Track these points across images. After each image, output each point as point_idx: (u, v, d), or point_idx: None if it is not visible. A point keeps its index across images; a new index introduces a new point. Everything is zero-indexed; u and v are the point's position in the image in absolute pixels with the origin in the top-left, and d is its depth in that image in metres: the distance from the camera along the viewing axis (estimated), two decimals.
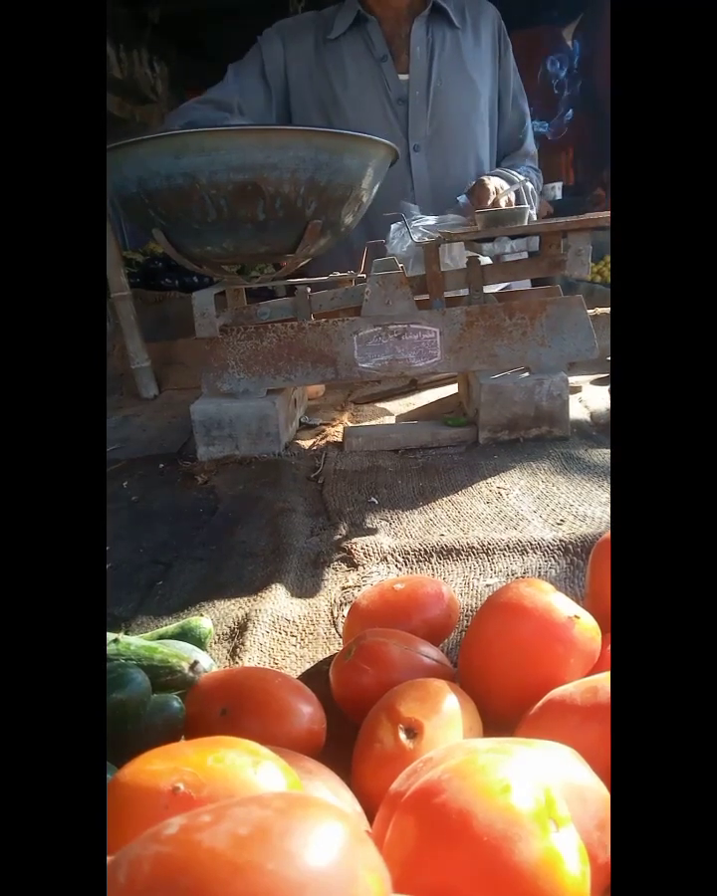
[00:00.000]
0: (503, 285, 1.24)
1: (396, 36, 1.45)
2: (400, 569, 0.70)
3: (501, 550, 0.69)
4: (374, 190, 1.03)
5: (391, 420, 1.17)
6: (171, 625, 0.58)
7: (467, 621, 0.59)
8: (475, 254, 1.07)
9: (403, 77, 1.45)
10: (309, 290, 1.06)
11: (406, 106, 1.45)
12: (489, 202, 1.34)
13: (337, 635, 0.60)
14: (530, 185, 1.50)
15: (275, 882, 0.20)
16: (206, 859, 0.21)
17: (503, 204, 1.37)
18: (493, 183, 1.39)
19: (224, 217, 0.91)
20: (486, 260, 1.09)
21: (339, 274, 1.16)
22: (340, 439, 1.07)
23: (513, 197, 1.41)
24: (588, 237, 0.93)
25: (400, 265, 1.01)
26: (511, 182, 1.45)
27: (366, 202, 1.03)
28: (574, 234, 0.93)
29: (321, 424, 1.17)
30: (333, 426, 1.15)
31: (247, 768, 0.32)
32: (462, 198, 1.42)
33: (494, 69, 1.53)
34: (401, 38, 1.45)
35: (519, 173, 1.54)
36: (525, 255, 1.12)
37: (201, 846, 0.21)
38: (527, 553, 0.68)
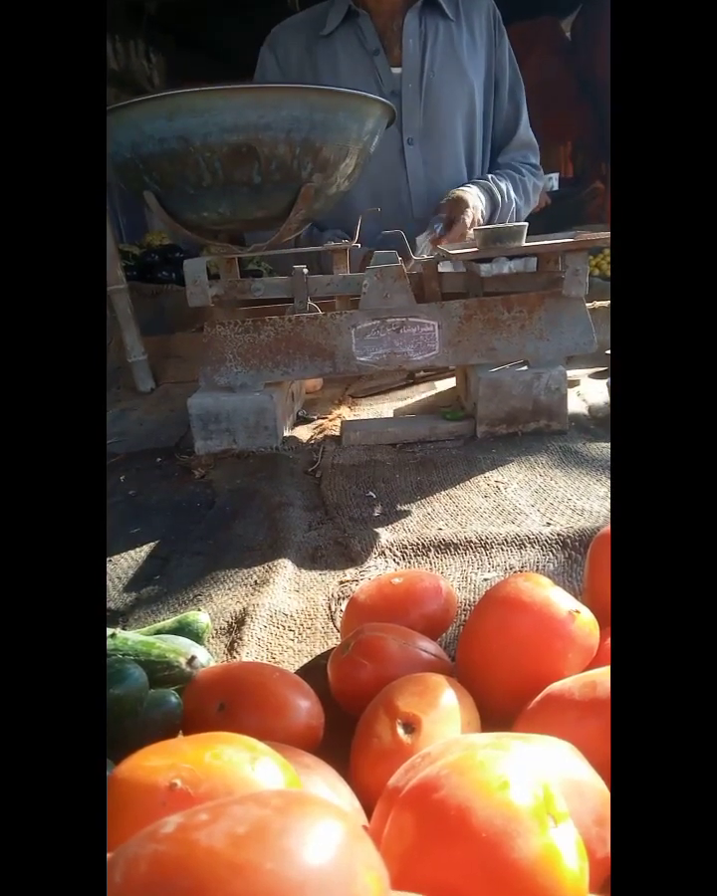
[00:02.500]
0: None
1: (388, 29, 1.44)
2: (398, 564, 0.70)
3: (499, 544, 0.69)
4: (370, 151, 1.02)
5: (389, 414, 1.17)
6: (169, 620, 0.57)
7: (465, 616, 0.59)
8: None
9: (396, 70, 1.44)
10: (306, 270, 1.06)
11: (400, 98, 1.44)
12: (467, 220, 1.32)
13: (334, 630, 0.60)
14: (515, 196, 1.49)
15: (273, 881, 0.20)
16: (204, 858, 0.20)
17: (477, 222, 1.34)
18: (471, 198, 1.37)
19: (219, 181, 0.90)
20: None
21: (334, 243, 1.15)
22: (337, 433, 1.06)
23: (483, 216, 1.39)
24: (585, 256, 0.93)
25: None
26: (490, 193, 1.44)
27: (362, 164, 1.02)
28: (571, 253, 0.93)
29: (318, 418, 1.17)
30: (330, 420, 1.14)
31: (245, 764, 0.32)
32: (439, 227, 1.35)
33: (488, 59, 1.51)
34: (393, 31, 1.44)
35: (507, 175, 1.53)
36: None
37: (199, 845, 0.21)
38: (525, 547, 0.68)
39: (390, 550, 0.71)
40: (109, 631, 0.50)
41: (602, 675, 0.40)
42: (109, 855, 0.23)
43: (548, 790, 0.29)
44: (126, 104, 0.86)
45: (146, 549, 0.78)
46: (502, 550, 0.68)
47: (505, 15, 1.53)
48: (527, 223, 0.96)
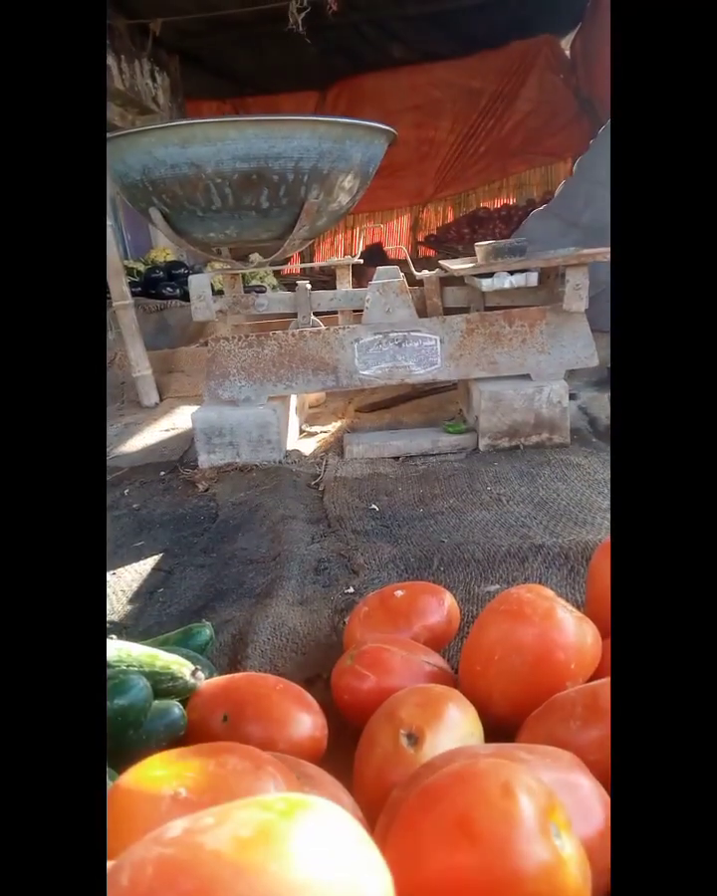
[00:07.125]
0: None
1: None
2: (401, 576, 0.70)
3: (502, 556, 0.69)
4: (372, 172, 1.05)
5: (392, 428, 1.17)
6: (173, 632, 0.58)
7: (468, 628, 0.59)
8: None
9: None
10: (309, 286, 1.07)
11: None
12: None
13: (338, 642, 0.60)
14: None
15: (277, 884, 0.20)
16: (209, 861, 0.21)
17: None
18: None
19: (229, 205, 0.93)
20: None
21: (337, 259, 1.17)
22: (340, 446, 1.07)
23: None
24: (585, 271, 0.94)
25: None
26: None
27: (365, 185, 1.04)
28: (571, 268, 0.94)
29: (321, 431, 1.17)
30: (333, 433, 1.15)
31: (248, 773, 0.32)
32: None
33: None
34: None
35: None
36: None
37: (204, 848, 0.21)
38: (527, 559, 0.68)
39: (393, 562, 0.71)
40: (113, 643, 0.50)
41: (605, 686, 0.40)
42: (115, 860, 0.23)
43: (551, 799, 0.29)
44: (139, 130, 0.89)
45: (150, 561, 0.78)
46: (504, 562, 0.68)
47: (505, 34, 1.56)
48: (526, 239, 0.97)
